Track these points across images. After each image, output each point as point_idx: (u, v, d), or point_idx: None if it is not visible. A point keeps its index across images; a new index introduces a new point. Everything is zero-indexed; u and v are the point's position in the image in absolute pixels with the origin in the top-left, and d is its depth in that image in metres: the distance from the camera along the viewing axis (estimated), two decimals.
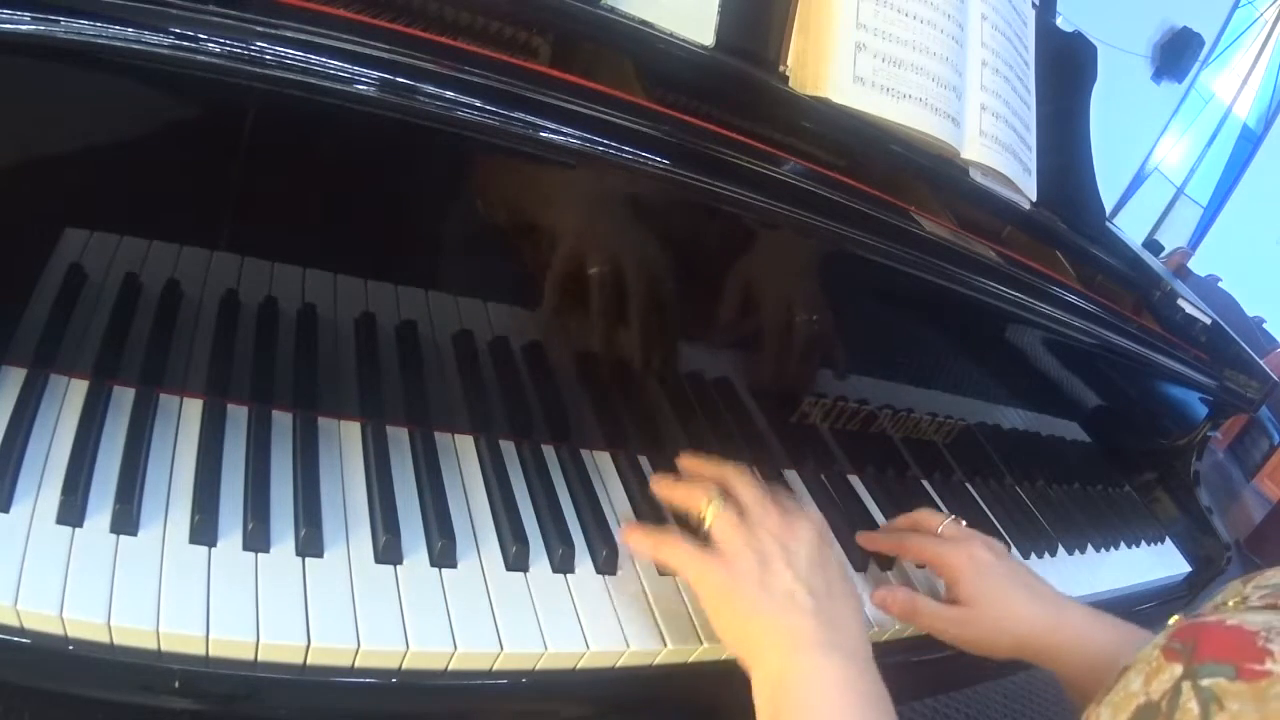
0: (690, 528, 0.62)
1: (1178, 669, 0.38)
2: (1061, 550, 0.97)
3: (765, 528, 0.59)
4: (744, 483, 0.63)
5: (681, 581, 0.64)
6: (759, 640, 0.55)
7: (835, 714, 0.52)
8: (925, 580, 0.79)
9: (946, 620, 0.67)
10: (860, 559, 0.77)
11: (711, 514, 0.60)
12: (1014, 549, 0.90)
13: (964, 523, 0.74)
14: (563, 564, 0.60)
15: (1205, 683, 0.36)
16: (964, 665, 0.73)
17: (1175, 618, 0.46)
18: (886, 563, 0.78)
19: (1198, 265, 5.33)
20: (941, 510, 0.90)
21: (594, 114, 0.56)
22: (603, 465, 0.72)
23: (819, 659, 0.53)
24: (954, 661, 0.71)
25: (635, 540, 0.61)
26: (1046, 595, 0.68)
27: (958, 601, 0.68)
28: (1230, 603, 0.45)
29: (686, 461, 0.69)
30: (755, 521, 0.59)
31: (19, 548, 0.46)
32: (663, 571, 0.64)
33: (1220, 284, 4.91)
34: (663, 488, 0.65)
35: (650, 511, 0.69)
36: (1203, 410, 1.18)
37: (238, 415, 0.58)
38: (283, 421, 0.59)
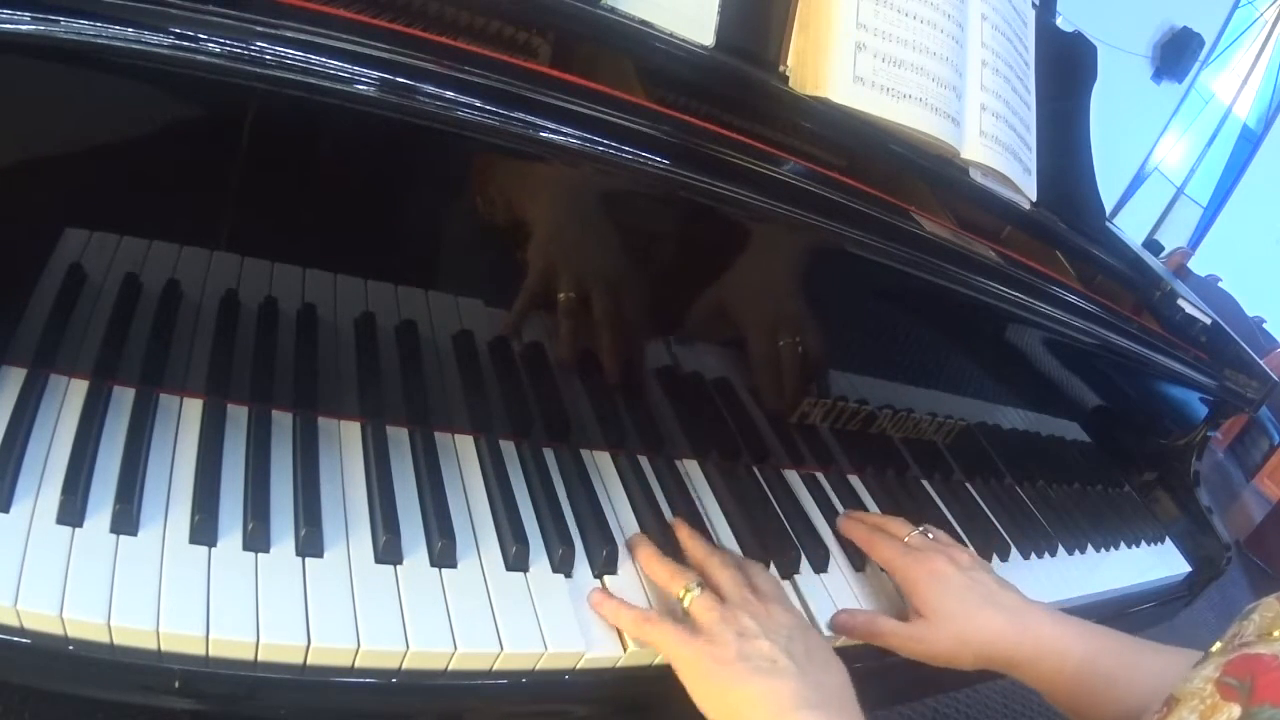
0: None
1: (1235, 709, 0.38)
2: (1061, 550, 0.97)
3: (743, 609, 0.59)
4: (724, 573, 0.63)
5: None
6: (743, 709, 0.54)
7: None
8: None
9: (907, 637, 0.67)
10: (859, 559, 0.77)
11: (690, 597, 0.60)
12: (1014, 549, 0.90)
13: (933, 535, 0.74)
14: (563, 564, 0.60)
15: None
16: None
17: (1217, 644, 0.46)
18: None
19: (1198, 265, 5.33)
20: (943, 511, 0.91)
21: (594, 114, 0.56)
22: (603, 465, 0.72)
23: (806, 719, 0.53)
24: None
25: (613, 613, 0.60)
26: (1010, 605, 0.67)
27: (917, 613, 0.68)
28: (1276, 633, 0.44)
29: (680, 532, 0.68)
30: (734, 603, 0.60)
31: (19, 548, 0.46)
32: None
33: (1220, 284, 4.91)
34: (644, 560, 0.65)
35: (649, 512, 0.69)
36: (1203, 410, 1.18)
37: (238, 415, 0.58)
38: (283, 421, 0.59)
